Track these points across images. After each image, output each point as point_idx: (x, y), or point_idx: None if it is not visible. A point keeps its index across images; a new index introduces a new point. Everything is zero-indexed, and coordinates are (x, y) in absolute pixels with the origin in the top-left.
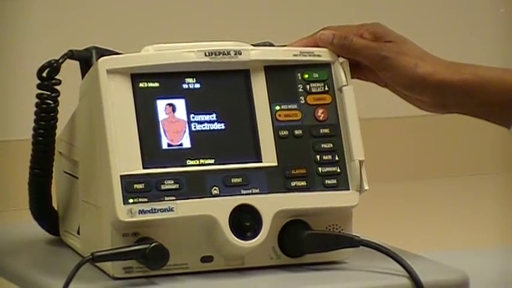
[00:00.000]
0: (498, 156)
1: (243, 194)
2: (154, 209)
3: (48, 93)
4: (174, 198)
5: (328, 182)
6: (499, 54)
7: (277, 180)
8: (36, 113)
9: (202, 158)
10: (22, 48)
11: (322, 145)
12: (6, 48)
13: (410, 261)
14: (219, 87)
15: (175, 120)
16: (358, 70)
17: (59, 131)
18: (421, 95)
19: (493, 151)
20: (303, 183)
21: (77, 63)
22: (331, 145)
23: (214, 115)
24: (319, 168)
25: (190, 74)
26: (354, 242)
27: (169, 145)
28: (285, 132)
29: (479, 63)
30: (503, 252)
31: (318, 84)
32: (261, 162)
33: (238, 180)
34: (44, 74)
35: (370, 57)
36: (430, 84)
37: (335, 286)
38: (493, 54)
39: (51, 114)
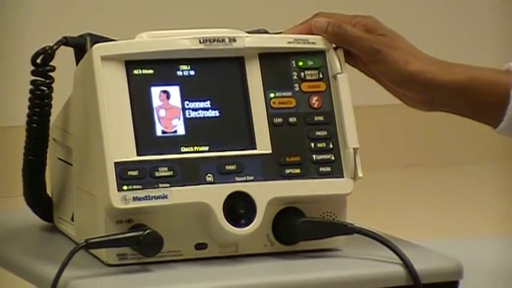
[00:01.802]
0: (494, 146)
1: (237, 181)
2: (149, 196)
3: (42, 79)
4: (168, 185)
5: (322, 169)
6: (494, 43)
7: (271, 168)
8: (30, 100)
9: (197, 145)
10: (17, 34)
11: (317, 132)
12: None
13: (404, 249)
14: (214, 75)
15: (169, 107)
16: (348, 56)
17: (53, 118)
18: (409, 91)
19: (489, 140)
20: (297, 170)
21: (71, 49)
22: (326, 133)
23: (208, 102)
24: (314, 156)
25: (185, 61)
26: (348, 230)
27: (163, 132)
28: (280, 120)
29: (474, 53)
30: (498, 242)
31: (312, 72)
32: (255, 149)
33: (233, 167)
34: (38, 61)
35: (362, 49)
36: (419, 82)
37: (329, 273)
38: (488, 44)
39: (45, 100)
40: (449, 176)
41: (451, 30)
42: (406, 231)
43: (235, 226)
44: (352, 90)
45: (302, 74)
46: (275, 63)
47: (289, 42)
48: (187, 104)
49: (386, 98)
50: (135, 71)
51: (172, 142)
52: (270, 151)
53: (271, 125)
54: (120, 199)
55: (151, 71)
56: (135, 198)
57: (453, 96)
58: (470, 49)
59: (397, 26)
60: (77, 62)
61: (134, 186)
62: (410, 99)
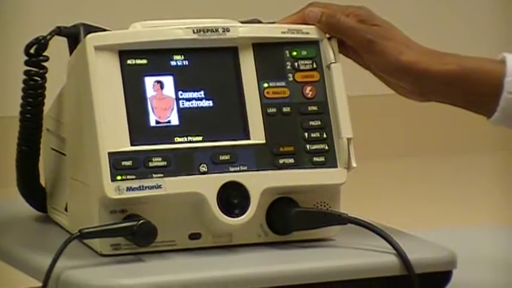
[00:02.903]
0: (490, 135)
1: (231, 171)
2: (142, 186)
3: (35, 69)
4: (162, 175)
5: (316, 159)
6: (492, 35)
7: (265, 158)
8: (23, 90)
9: (190, 135)
10: (12, 24)
11: (310, 122)
12: None
13: (397, 239)
14: (207, 65)
15: (163, 97)
16: (341, 46)
17: (47, 108)
18: (403, 81)
19: (485, 129)
20: (291, 160)
21: (64, 39)
22: (319, 122)
23: (202, 92)
24: (307, 146)
25: (179, 51)
26: (341, 220)
27: (157, 122)
28: (273, 110)
29: (472, 45)
30: (493, 231)
31: (306, 62)
32: (249, 139)
33: (226, 157)
34: (32, 51)
35: (356, 39)
36: (412, 73)
37: (322, 263)
38: (487, 36)
39: (39, 91)
40: (444, 166)
41: (449, 23)
42: (400, 221)
43: (229, 216)
44: (346, 80)
45: (296, 64)
46: (269, 53)
47: (283, 32)
48: (181, 94)
49: (380, 88)
50: (129, 61)
51: (166, 132)
52: (264, 141)
53: (265, 115)
54: (114, 189)
55: (145, 61)
56: (129, 189)
57: (447, 87)
58: (468, 42)
59: (394, 20)
60: (71, 52)
61: (128, 177)
62: (404, 89)
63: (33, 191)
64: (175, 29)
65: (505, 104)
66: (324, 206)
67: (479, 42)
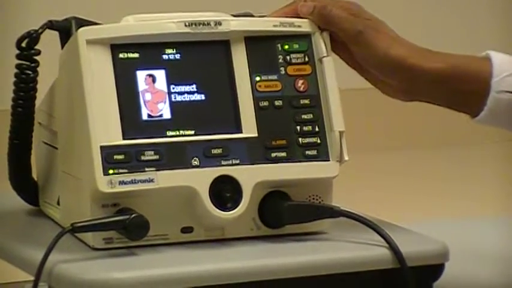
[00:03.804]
0: (480, 128)
1: (223, 165)
2: (135, 180)
3: (27, 63)
4: (154, 169)
5: (308, 152)
6: (493, 37)
7: (257, 151)
8: (15, 84)
9: (183, 129)
10: (6, 17)
11: (303, 116)
12: None
13: (390, 231)
14: (199, 58)
15: (155, 91)
16: (332, 43)
17: (38, 102)
18: (389, 77)
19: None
20: (283, 154)
21: (56, 33)
22: (312, 116)
23: (194, 86)
24: (300, 139)
25: (171, 45)
26: (334, 213)
27: (149, 116)
28: (265, 103)
29: (472, 47)
30: (485, 223)
31: (298, 55)
32: (241, 133)
33: (219, 151)
34: (23, 44)
35: (345, 30)
36: (400, 68)
37: (315, 257)
38: (487, 38)
39: (31, 84)
40: (437, 159)
41: (449, 23)
42: (392, 215)
43: (222, 210)
44: (337, 73)
45: (288, 57)
46: (261, 46)
47: (274, 26)
48: (173, 88)
49: None
50: (121, 55)
51: (158, 126)
52: (256, 135)
53: (257, 109)
54: (106, 183)
55: (136, 55)
56: (121, 182)
57: (434, 85)
58: (468, 42)
59: (393, 19)
60: (62, 46)
61: (120, 170)
62: (390, 87)
63: (25, 184)
64: (167, 22)
65: (492, 103)
66: (316, 199)
67: (479, 42)
